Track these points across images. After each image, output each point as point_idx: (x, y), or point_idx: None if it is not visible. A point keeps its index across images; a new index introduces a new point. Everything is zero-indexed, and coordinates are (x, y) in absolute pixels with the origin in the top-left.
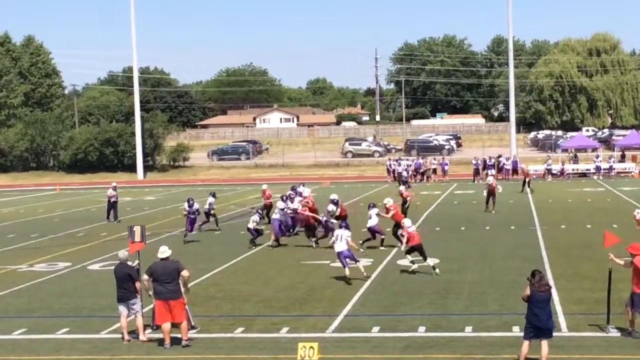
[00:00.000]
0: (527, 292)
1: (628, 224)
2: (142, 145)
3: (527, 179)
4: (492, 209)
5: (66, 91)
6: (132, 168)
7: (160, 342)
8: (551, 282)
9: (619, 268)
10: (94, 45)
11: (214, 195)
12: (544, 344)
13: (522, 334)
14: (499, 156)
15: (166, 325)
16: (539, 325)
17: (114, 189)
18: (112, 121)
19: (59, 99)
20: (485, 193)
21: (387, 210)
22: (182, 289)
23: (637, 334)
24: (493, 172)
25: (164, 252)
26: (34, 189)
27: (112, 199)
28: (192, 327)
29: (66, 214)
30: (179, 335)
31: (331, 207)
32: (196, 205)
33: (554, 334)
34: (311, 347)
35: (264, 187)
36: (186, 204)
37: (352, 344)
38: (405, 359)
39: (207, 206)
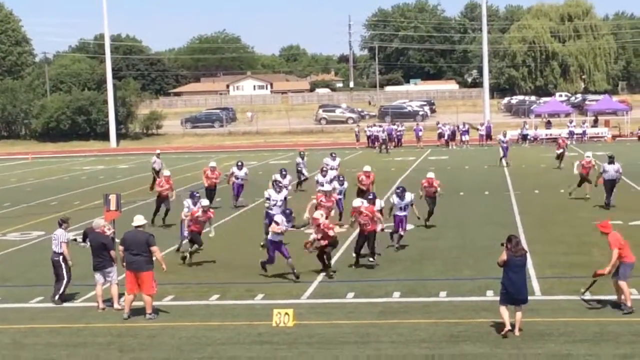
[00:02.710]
0: (504, 257)
1: (600, 189)
2: (115, 114)
3: (563, 152)
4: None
5: (37, 59)
6: (104, 136)
7: (139, 311)
8: (525, 247)
9: (592, 232)
10: (65, 12)
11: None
12: (522, 309)
13: (496, 298)
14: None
15: (129, 297)
16: (513, 291)
17: (158, 156)
18: (84, 89)
19: (29, 67)
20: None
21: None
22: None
23: (627, 308)
24: (467, 137)
25: (138, 220)
26: (5, 158)
27: (157, 168)
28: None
29: (39, 182)
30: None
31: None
32: (245, 170)
33: (529, 297)
34: (286, 313)
35: (212, 164)
36: (235, 168)
37: (327, 310)
38: (380, 325)
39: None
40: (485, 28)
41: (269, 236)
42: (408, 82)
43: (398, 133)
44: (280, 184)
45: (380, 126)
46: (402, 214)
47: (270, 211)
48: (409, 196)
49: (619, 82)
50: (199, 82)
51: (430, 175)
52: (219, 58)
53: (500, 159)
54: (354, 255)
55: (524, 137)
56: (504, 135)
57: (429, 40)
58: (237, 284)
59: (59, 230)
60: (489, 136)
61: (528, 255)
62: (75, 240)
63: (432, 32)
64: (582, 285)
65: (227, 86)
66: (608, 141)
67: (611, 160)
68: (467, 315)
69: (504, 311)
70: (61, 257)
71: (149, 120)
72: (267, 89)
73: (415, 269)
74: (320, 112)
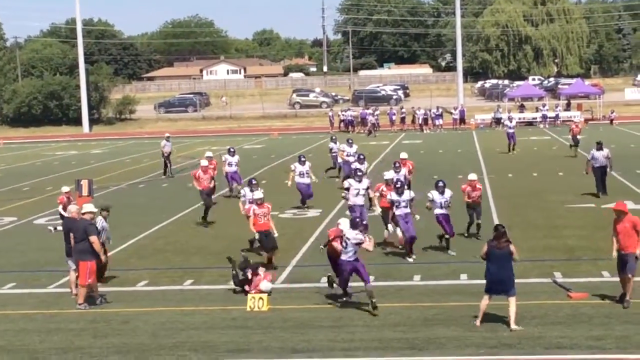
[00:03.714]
0: (484, 249)
1: (573, 172)
2: (88, 98)
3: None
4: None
5: (8, 44)
6: (77, 121)
7: (114, 297)
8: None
9: (564, 215)
10: None
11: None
12: (511, 301)
13: (469, 281)
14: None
15: (72, 277)
16: (493, 282)
17: (167, 139)
18: (56, 74)
19: (0, 52)
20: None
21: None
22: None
23: (628, 303)
24: (441, 121)
25: (85, 207)
26: None
27: (167, 151)
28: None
29: (10, 168)
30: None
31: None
32: (237, 156)
33: None
34: (260, 298)
35: (209, 154)
36: (228, 155)
37: (301, 294)
38: (354, 309)
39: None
40: (458, 12)
41: (342, 256)
42: (382, 66)
43: (372, 120)
44: (360, 173)
45: (367, 109)
46: (442, 212)
47: (353, 204)
48: (449, 193)
49: (592, 66)
50: (172, 67)
51: (472, 176)
52: (192, 42)
53: (509, 146)
54: None
55: (497, 121)
56: (510, 121)
57: (403, 24)
58: (211, 269)
59: (97, 217)
60: (462, 120)
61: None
62: (55, 229)
63: (406, 15)
64: (555, 269)
65: (201, 71)
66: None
67: (599, 147)
68: (441, 299)
69: (484, 300)
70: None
71: (122, 105)
72: (240, 73)
73: (389, 253)
74: (294, 96)
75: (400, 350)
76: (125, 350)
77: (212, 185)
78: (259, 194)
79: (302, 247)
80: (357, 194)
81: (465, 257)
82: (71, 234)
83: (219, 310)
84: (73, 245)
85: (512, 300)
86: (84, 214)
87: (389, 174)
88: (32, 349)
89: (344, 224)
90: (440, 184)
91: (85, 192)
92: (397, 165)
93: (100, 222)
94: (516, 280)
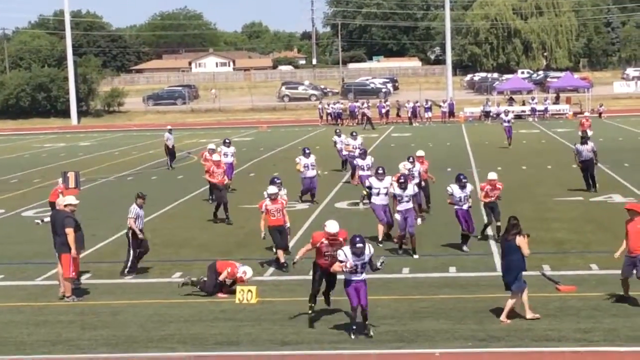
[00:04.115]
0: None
1: (562, 165)
2: (76, 91)
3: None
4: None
5: None
6: (65, 113)
7: (102, 288)
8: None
9: (553, 208)
10: None
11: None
12: (512, 294)
13: (458, 274)
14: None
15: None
16: (503, 274)
17: (170, 132)
18: (44, 66)
19: None
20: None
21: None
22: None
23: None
24: (430, 114)
25: (66, 199)
26: None
27: (170, 144)
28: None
29: None
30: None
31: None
32: (233, 148)
33: (491, 274)
34: (249, 290)
35: (211, 146)
36: (223, 146)
37: (290, 287)
38: (342, 301)
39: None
40: (447, 5)
41: (345, 276)
42: (371, 59)
43: (362, 110)
44: (381, 172)
45: (361, 102)
46: (465, 206)
47: (375, 202)
48: (469, 187)
49: (580, 59)
50: (161, 59)
51: (493, 175)
52: (181, 35)
53: (508, 140)
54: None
55: (487, 114)
56: (506, 114)
57: (392, 17)
58: (200, 262)
59: (132, 205)
60: (451, 113)
61: (490, 232)
62: (42, 221)
63: (395, 8)
64: (543, 261)
65: (189, 63)
66: (569, 118)
67: (584, 140)
68: (429, 291)
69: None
70: (130, 231)
71: (111, 97)
72: (229, 66)
73: (377, 245)
74: (283, 89)
75: (388, 342)
76: (113, 343)
77: (226, 180)
78: (273, 188)
79: (291, 240)
80: (378, 193)
81: (454, 251)
82: (39, 222)
83: (207, 303)
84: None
85: (513, 295)
86: (65, 205)
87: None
88: (20, 341)
89: (331, 225)
90: (462, 178)
91: (72, 184)
92: (412, 160)
93: (135, 209)
94: None
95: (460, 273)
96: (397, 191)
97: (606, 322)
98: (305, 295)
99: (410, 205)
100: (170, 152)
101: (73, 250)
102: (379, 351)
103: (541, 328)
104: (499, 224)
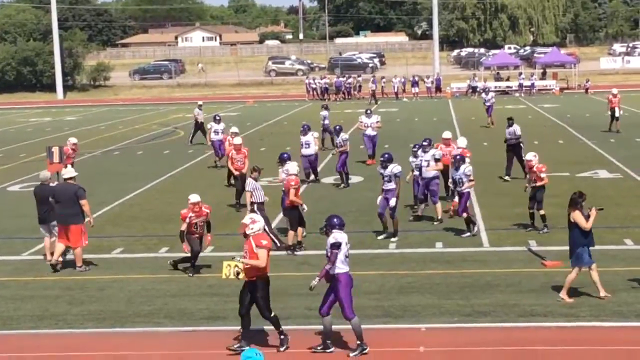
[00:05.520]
0: None
1: (548, 140)
2: (61, 65)
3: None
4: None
5: None
6: (51, 88)
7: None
8: (473, 199)
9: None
10: None
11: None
12: (574, 270)
13: (444, 249)
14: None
15: (60, 245)
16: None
17: (200, 107)
18: (30, 40)
19: None
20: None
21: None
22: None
23: None
24: (417, 89)
25: (68, 172)
26: None
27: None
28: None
29: None
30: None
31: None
32: (223, 124)
33: (478, 249)
34: (236, 265)
35: (234, 130)
36: (213, 122)
37: (277, 262)
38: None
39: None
40: None
41: (331, 269)
42: (358, 34)
43: (347, 85)
44: (427, 144)
45: (342, 77)
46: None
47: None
48: (463, 168)
49: (567, 35)
50: (147, 33)
51: (529, 156)
52: (167, 9)
53: (489, 117)
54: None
55: (473, 89)
56: (487, 93)
57: None
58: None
59: (248, 178)
60: (438, 88)
61: (477, 208)
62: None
63: None
64: (530, 237)
65: (176, 37)
66: (556, 94)
67: (510, 123)
68: (416, 267)
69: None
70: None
71: (97, 71)
72: (216, 40)
73: (364, 220)
74: (270, 64)
75: (375, 317)
76: (101, 318)
77: (245, 167)
78: (294, 167)
79: (278, 215)
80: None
81: (440, 226)
82: (51, 200)
83: (194, 278)
84: (57, 210)
85: (574, 270)
86: (68, 179)
87: (446, 133)
88: (7, 316)
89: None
90: (458, 157)
91: (56, 159)
92: (427, 143)
93: (251, 183)
94: (492, 249)
95: (446, 249)
96: (380, 170)
97: (593, 297)
98: (292, 271)
99: (392, 185)
100: (199, 127)
101: (90, 219)
102: (366, 326)
103: (527, 304)
104: (543, 212)
